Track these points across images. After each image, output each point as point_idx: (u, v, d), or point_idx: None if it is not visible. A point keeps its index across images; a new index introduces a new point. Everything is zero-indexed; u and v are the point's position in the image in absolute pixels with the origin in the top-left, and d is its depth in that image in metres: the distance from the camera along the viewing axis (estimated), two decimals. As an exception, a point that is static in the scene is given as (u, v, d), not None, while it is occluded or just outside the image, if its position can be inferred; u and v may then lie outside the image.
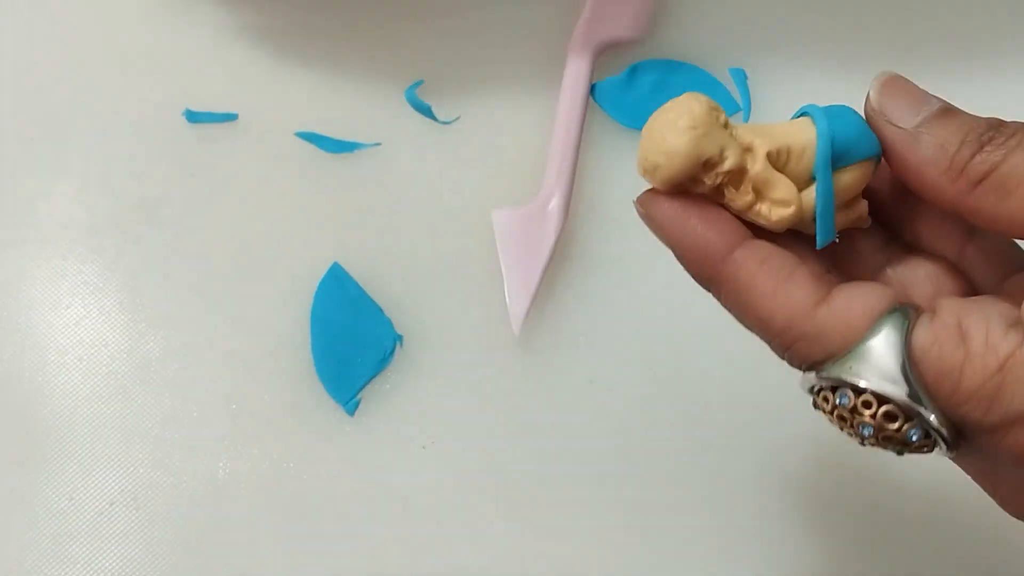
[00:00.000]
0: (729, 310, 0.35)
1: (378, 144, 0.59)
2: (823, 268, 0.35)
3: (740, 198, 0.34)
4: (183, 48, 0.62)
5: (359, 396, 0.55)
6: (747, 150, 0.34)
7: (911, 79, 0.36)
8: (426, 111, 0.60)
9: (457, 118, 0.60)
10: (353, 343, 0.55)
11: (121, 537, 0.53)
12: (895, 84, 0.35)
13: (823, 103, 0.54)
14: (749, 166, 0.34)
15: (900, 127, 0.34)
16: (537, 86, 0.60)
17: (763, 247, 0.34)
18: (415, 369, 0.55)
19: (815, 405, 0.34)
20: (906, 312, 0.32)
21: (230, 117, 0.60)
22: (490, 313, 0.56)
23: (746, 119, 0.59)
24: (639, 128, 0.59)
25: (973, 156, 0.33)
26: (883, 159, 0.35)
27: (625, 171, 0.58)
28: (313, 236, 0.58)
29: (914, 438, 0.32)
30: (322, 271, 0.57)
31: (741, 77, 0.60)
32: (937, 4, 0.62)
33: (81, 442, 0.54)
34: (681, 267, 0.36)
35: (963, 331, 0.31)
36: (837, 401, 0.32)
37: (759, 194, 0.34)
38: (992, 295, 0.35)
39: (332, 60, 0.62)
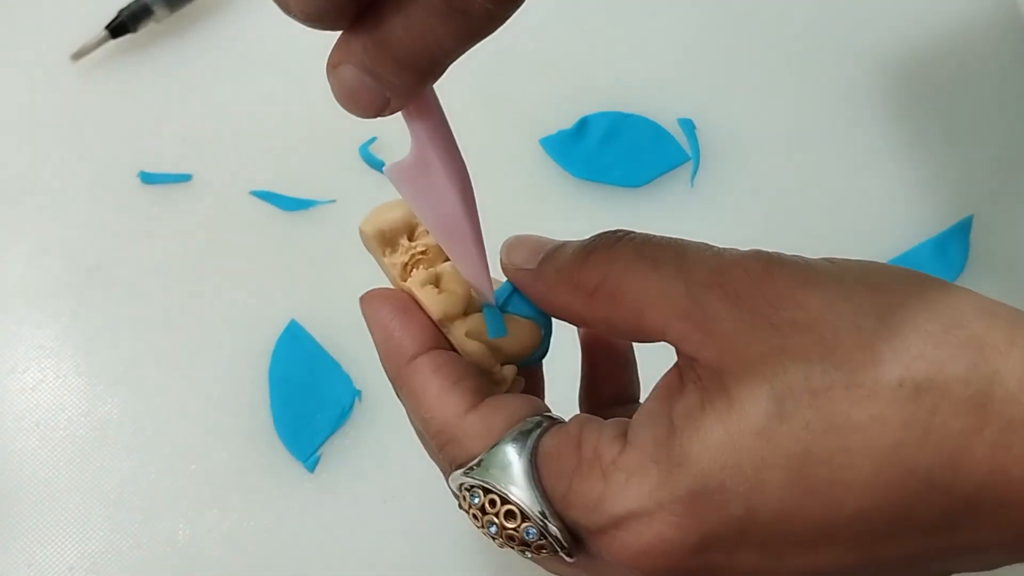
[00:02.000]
0: (405, 408, 0.38)
1: (333, 201, 0.60)
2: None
3: (421, 274, 0.38)
4: (136, 110, 0.63)
5: (319, 452, 0.54)
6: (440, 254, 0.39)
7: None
8: (380, 167, 0.60)
9: (411, 173, 0.60)
10: (312, 399, 0.55)
11: (81, 603, 0.52)
12: (518, 240, 0.38)
13: (769, 150, 0.56)
14: (438, 262, 0.38)
15: (526, 269, 0.37)
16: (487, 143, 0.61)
17: (443, 356, 0.37)
18: (374, 424, 0.55)
19: (459, 505, 0.36)
20: (541, 421, 0.35)
21: (184, 178, 0.61)
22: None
23: (695, 169, 0.60)
24: (590, 179, 0.61)
25: (582, 269, 0.35)
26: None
27: (579, 220, 0.59)
28: (270, 294, 0.58)
29: (530, 536, 0.33)
30: (279, 328, 0.57)
31: (690, 127, 0.61)
32: (879, 52, 0.64)
33: (39, 507, 0.54)
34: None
35: (580, 440, 0.33)
36: (471, 500, 0.34)
37: (438, 279, 0.38)
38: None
39: (284, 118, 0.62)
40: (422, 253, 0.38)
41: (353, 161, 0.61)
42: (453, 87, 0.64)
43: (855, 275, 0.32)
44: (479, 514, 0.34)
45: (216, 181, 0.61)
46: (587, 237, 0.36)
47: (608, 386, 0.42)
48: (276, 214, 0.60)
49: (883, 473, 0.29)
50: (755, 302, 0.31)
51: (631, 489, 0.31)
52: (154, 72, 0.64)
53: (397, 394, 0.38)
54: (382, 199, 0.60)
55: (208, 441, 0.55)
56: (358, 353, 0.56)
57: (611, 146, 0.60)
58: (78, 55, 0.63)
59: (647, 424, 0.32)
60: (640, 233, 0.35)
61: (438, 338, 0.37)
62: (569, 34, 0.64)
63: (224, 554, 0.53)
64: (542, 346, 0.39)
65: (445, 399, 0.35)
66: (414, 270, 0.38)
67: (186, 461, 0.55)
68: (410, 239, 0.39)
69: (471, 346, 0.37)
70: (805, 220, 0.59)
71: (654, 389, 0.34)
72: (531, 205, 0.60)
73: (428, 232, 0.38)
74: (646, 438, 0.32)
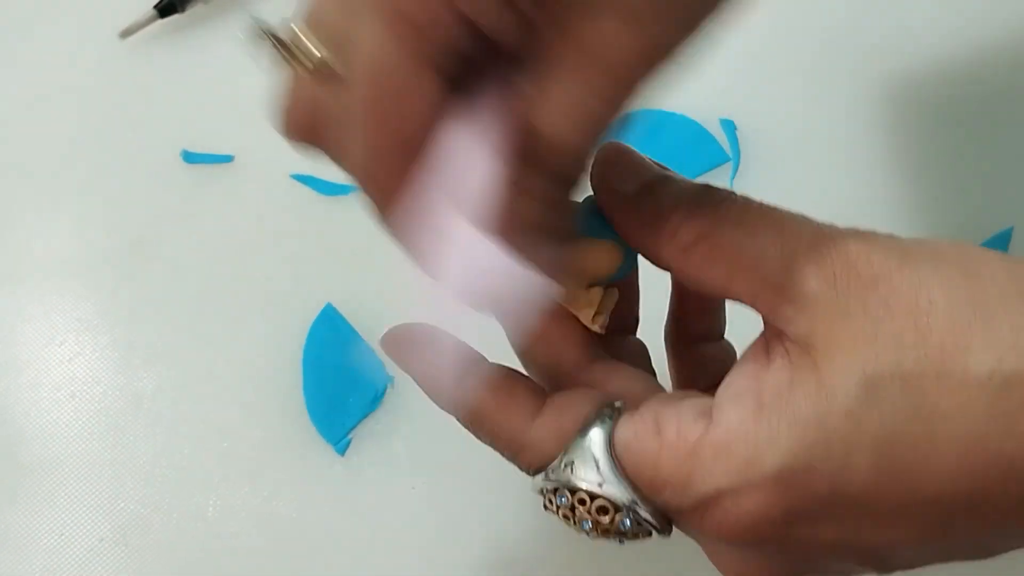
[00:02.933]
0: (467, 429, 0.38)
1: (372, 187, 0.60)
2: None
3: None
4: (181, 89, 0.63)
5: (350, 436, 0.55)
6: None
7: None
8: (420, 156, 0.60)
9: (451, 163, 0.61)
10: (345, 383, 0.56)
11: (110, 574, 0.53)
12: (615, 152, 0.36)
13: (810, 154, 0.55)
14: None
15: (620, 192, 0.35)
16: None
17: (486, 371, 0.37)
18: (406, 410, 0.55)
19: (545, 507, 0.36)
20: (610, 412, 0.34)
21: (226, 159, 0.61)
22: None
23: (735, 170, 0.60)
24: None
25: (683, 223, 0.34)
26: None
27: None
28: (306, 277, 0.58)
29: (626, 526, 0.34)
30: (315, 311, 0.57)
31: (731, 128, 0.61)
32: (922, 59, 0.64)
33: (72, 478, 0.55)
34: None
35: (658, 424, 0.33)
36: (558, 501, 0.35)
37: None
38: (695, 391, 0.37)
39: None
40: None
41: (394, 148, 0.61)
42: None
43: (951, 259, 0.32)
44: (569, 514, 0.34)
45: (257, 163, 0.61)
46: (685, 185, 0.35)
47: (696, 323, 0.41)
48: (316, 198, 0.60)
49: (966, 462, 0.30)
50: (850, 282, 0.31)
51: (719, 467, 0.32)
52: (200, 52, 0.64)
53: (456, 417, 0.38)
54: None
55: (241, 420, 0.56)
56: (392, 339, 0.57)
57: (652, 144, 0.60)
58: (126, 33, 0.64)
59: (733, 402, 0.32)
60: (743, 196, 0.34)
61: (472, 355, 0.37)
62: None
63: (253, 531, 0.53)
64: (626, 264, 0.37)
65: (506, 415, 0.36)
66: None
67: (218, 438, 0.55)
68: None
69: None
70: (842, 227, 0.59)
71: (739, 362, 0.34)
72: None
73: None
74: (732, 417, 0.32)
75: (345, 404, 0.55)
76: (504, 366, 0.37)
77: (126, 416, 0.56)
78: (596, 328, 0.37)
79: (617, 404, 0.35)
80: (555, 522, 0.53)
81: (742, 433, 0.32)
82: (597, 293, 0.37)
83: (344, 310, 0.57)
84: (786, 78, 0.63)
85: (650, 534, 0.34)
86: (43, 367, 0.57)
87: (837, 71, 0.63)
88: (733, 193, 0.34)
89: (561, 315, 0.37)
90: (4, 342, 0.57)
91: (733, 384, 0.33)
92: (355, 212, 0.60)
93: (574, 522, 0.35)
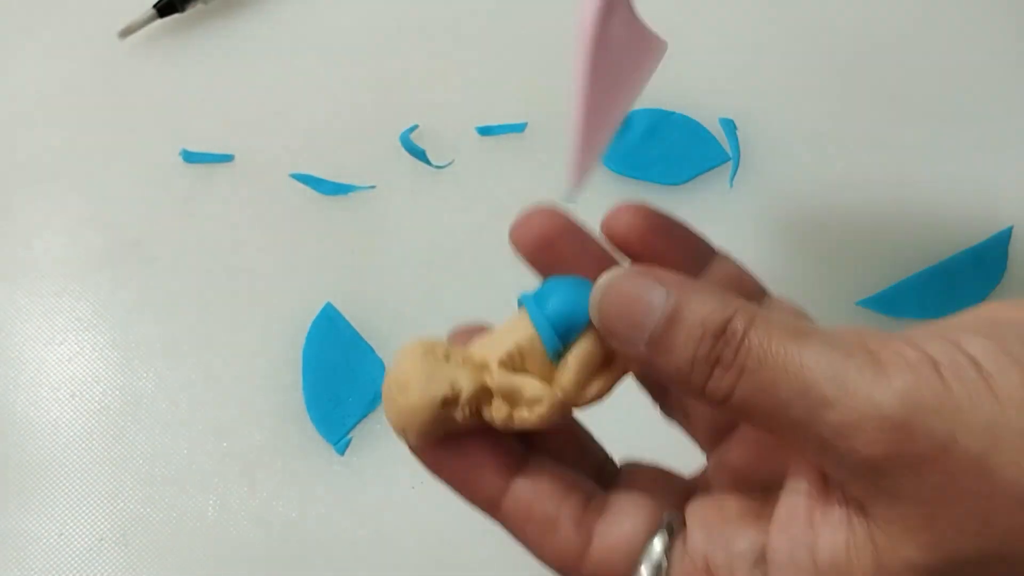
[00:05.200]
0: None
1: (372, 187, 0.60)
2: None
3: (496, 414, 0.34)
4: (181, 89, 0.63)
5: (350, 435, 0.55)
6: (482, 366, 0.34)
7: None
8: (420, 155, 0.61)
9: (451, 162, 0.61)
10: (345, 383, 0.56)
11: (109, 574, 0.53)
12: (613, 298, 0.32)
13: (810, 154, 0.55)
14: (489, 382, 0.34)
15: (632, 349, 0.32)
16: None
17: (527, 492, 0.34)
18: (406, 409, 0.55)
19: None
20: (662, 544, 0.33)
21: (226, 158, 0.61)
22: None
23: (735, 169, 0.60)
24: (630, 175, 0.61)
25: (706, 384, 0.31)
26: None
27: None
28: (306, 276, 0.58)
29: None
30: (315, 311, 0.57)
31: (731, 127, 0.61)
32: (921, 59, 0.64)
33: (71, 478, 0.55)
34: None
35: (711, 573, 0.32)
36: None
37: (512, 402, 0.34)
38: (740, 512, 0.35)
39: (327, 103, 0.63)
40: (473, 398, 0.34)
41: (394, 148, 0.61)
42: (495, 79, 0.64)
43: (1013, 406, 0.29)
44: None
45: (257, 163, 0.61)
46: (696, 325, 0.31)
47: None
48: (315, 198, 0.60)
49: None
50: (894, 467, 0.29)
51: None
52: (199, 52, 0.64)
53: None
54: (422, 188, 0.61)
55: (241, 420, 0.56)
56: (392, 338, 0.57)
57: (652, 143, 0.60)
58: (125, 32, 0.64)
59: (789, 564, 0.31)
60: (755, 337, 0.31)
61: (511, 464, 0.35)
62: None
63: (252, 531, 0.53)
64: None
65: (551, 548, 0.34)
66: (482, 412, 0.34)
67: (218, 438, 0.55)
68: (449, 407, 0.33)
69: (594, 395, 0.34)
70: (842, 227, 0.59)
71: (792, 493, 0.32)
72: (569, 199, 0.60)
73: (453, 382, 0.33)
74: None
75: (345, 404, 0.55)
76: (542, 477, 0.35)
77: (126, 416, 0.56)
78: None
79: (671, 523, 0.34)
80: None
81: None
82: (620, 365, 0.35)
83: (344, 310, 0.57)
84: (786, 78, 0.63)
85: None
86: (43, 367, 0.57)
87: (837, 71, 0.63)
88: (750, 321, 0.31)
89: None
90: (4, 342, 0.57)
91: (787, 531, 0.32)
92: (355, 212, 0.60)
93: None
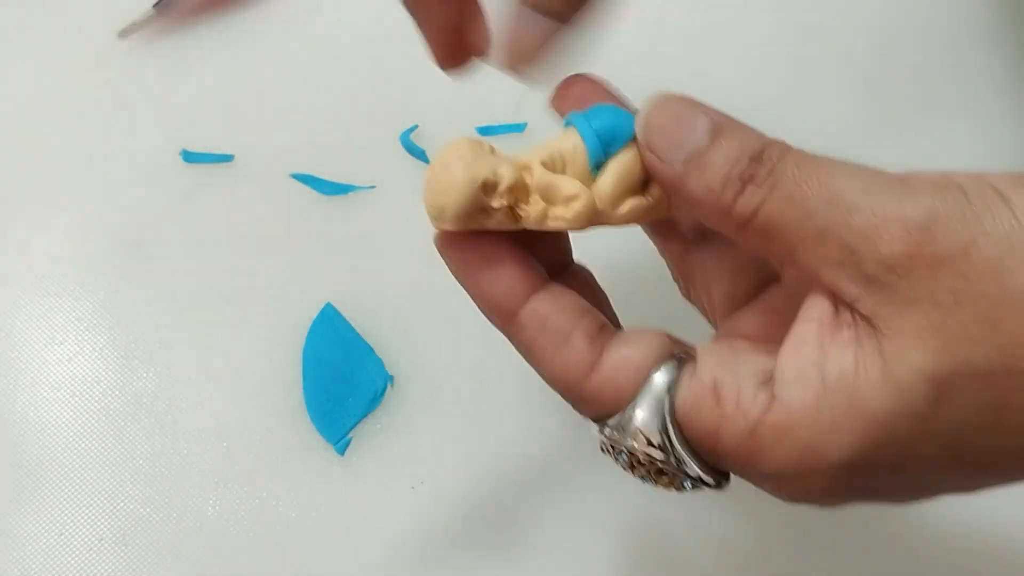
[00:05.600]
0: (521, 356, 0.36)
1: (372, 187, 0.60)
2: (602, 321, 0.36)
3: (532, 209, 0.34)
4: (181, 89, 0.63)
5: (349, 436, 0.55)
6: (523, 167, 0.35)
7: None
8: (420, 155, 0.61)
9: (450, 162, 0.61)
10: (344, 383, 0.56)
11: (109, 574, 0.53)
12: (660, 113, 0.34)
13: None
14: (528, 179, 0.35)
15: (668, 165, 0.34)
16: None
17: (545, 306, 0.35)
18: (406, 410, 0.55)
19: (602, 450, 0.35)
20: (670, 371, 0.33)
21: (226, 158, 0.61)
22: (480, 354, 0.56)
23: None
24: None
25: (735, 200, 0.32)
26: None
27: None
28: (306, 276, 0.58)
29: (686, 485, 0.34)
30: (314, 311, 0.57)
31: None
32: (921, 58, 0.64)
33: (71, 478, 0.54)
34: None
35: (718, 392, 0.33)
36: (616, 457, 0.34)
37: (548, 199, 0.35)
38: (767, 320, 0.36)
39: (327, 103, 0.63)
40: (512, 192, 0.34)
41: (394, 148, 0.61)
42: (495, 79, 0.64)
43: None
44: (627, 468, 0.34)
45: (257, 162, 0.61)
46: (735, 146, 0.33)
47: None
48: (315, 198, 0.60)
49: None
50: (912, 264, 0.30)
51: (780, 450, 0.31)
52: (200, 52, 0.64)
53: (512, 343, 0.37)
54: (421, 187, 0.61)
55: (240, 420, 0.56)
56: (392, 338, 0.57)
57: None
58: (125, 32, 0.64)
59: (796, 379, 0.32)
60: (790, 156, 0.32)
61: (536, 280, 0.35)
62: (613, 30, 0.64)
63: (252, 532, 0.53)
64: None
65: (562, 360, 0.34)
66: (517, 210, 0.35)
67: (218, 438, 0.55)
68: (488, 195, 0.34)
69: (628, 212, 0.35)
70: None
71: (806, 311, 0.33)
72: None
73: (496, 169, 0.34)
74: (795, 398, 0.31)
75: (345, 404, 0.55)
76: (564, 295, 0.35)
77: (125, 416, 0.56)
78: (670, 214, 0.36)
79: (678, 349, 0.34)
80: (554, 522, 0.54)
81: (804, 419, 0.31)
82: (658, 189, 0.35)
83: (344, 310, 0.57)
84: (787, 77, 0.63)
85: (707, 487, 0.34)
86: (42, 367, 0.57)
87: (838, 70, 0.63)
88: (786, 149, 0.33)
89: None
90: (3, 342, 0.57)
91: (796, 351, 0.32)
92: (355, 212, 0.60)
93: (632, 473, 0.34)
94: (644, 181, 0.35)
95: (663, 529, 0.49)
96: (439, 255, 0.36)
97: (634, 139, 0.35)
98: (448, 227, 0.35)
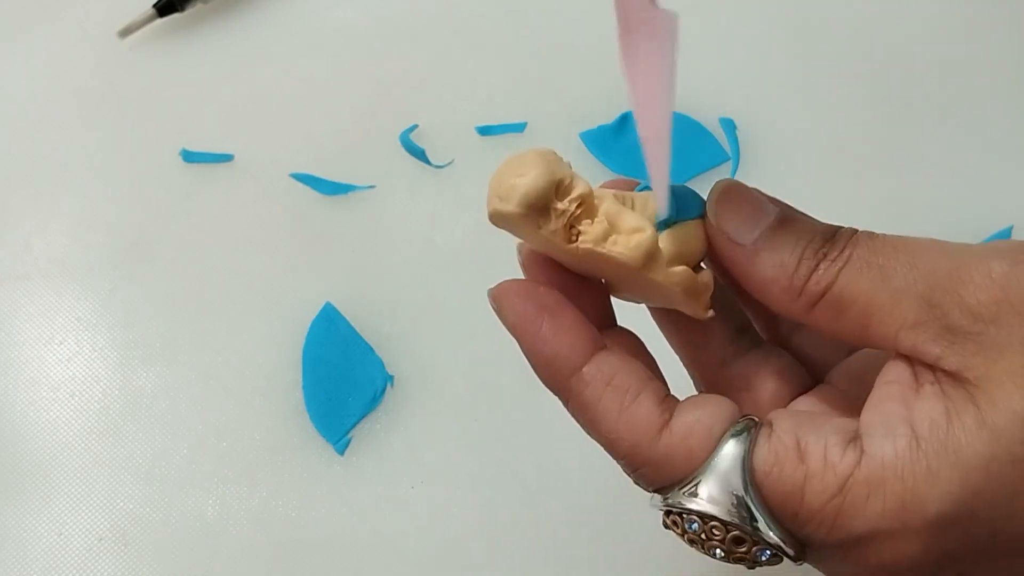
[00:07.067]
0: (578, 422, 0.35)
1: (372, 187, 0.60)
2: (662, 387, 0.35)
3: (595, 228, 0.33)
4: (180, 89, 0.63)
5: (349, 435, 0.55)
6: (595, 190, 0.34)
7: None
8: (420, 155, 0.61)
9: (450, 162, 0.61)
10: (344, 383, 0.56)
11: (109, 574, 0.53)
12: (731, 195, 0.34)
13: (810, 154, 0.55)
14: (597, 203, 0.34)
15: (739, 243, 0.33)
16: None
17: (611, 364, 0.34)
18: (406, 409, 0.55)
19: (665, 525, 0.33)
20: (745, 432, 0.32)
21: (226, 158, 0.61)
22: (480, 354, 0.56)
23: (735, 168, 0.60)
24: (629, 174, 0.60)
25: (810, 276, 0.32)
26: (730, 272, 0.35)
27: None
28: (306, 276, 0.58)
29: (764, 558, 0.32)
30: (314, 310, 0.57)
31: (731, 127, 0.61)
32: (921, 59, 0.64)
33: (71, 478, 0.54)
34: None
35: (801, 450, 0.31)
36: (687, 527, 0.32)
37: (612, 226, 0.33)
38: (827, 405, 0.35)
39: (326, 103, 0.63)
40: (579, 205, 0.33)
41: (393, 148, 0.61)
42: (495, 79, 0.64)
43: None
44: (697, 539, 0.32)
45: (257, 162, 0.61)
46: (807, 229, 0.33)
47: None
48: (315, 197, 0.60)
49: None
50: (1000, 312, 0.30)
51: (873, 507, 0.30)
52: (199, 52, 0.65)
53: (564, 404, 0.35)
54: (422, 188, 0.61)
55: (240, 419, 0.55)
56: (392, 338, 0.57)
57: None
58: (125, 32, 0.64)
59: (885, 433, 0.31)
60: (865, 234, 0.33)
61: (597, 337, 0.34)
62: (613, 29, 0.64)
63: (251, 531, 0.53)
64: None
65: (630, 419, 0.33)
66: (576, 228, 0.34)
67: (218, 438, 0.55)
68: (558, 196, 0.33)
69: (678, 275, 0.33)
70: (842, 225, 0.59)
71: (881, 381, 0.32)
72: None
73: (572, 178, 0.33)
74: (887, 449, 0.30)
75: (344, 403, 0.55)
76: (629, 359, 0.34)
77: (125, 416, 0.56)
78: (710, 313, 0.35)
79: (750, 416, 0.33)
80: (554, 521, 0.53)
81: (898, 469, 0.30)
82: (709, 274, 0.35)
83: (344, 310, 0.57)
84: (786, 77, 0.63)
85: (781, 561, 0.33)
86: (42, 367, 0.57)
87: (837, 71, 0.63)
88: (855, 235, 0.33)
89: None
90: (3, 342, 0.57)
91: (880, 408, 0.32)
92: (355, 212, 0.60)
93: (703, 548, 0.32)
94: (697, 265, 0.35)
95: (664, 529, 0.49)
96: (493, 309, 0.35)
97: (699, 218, 0.34)
98: (510, 209, 0.33)
